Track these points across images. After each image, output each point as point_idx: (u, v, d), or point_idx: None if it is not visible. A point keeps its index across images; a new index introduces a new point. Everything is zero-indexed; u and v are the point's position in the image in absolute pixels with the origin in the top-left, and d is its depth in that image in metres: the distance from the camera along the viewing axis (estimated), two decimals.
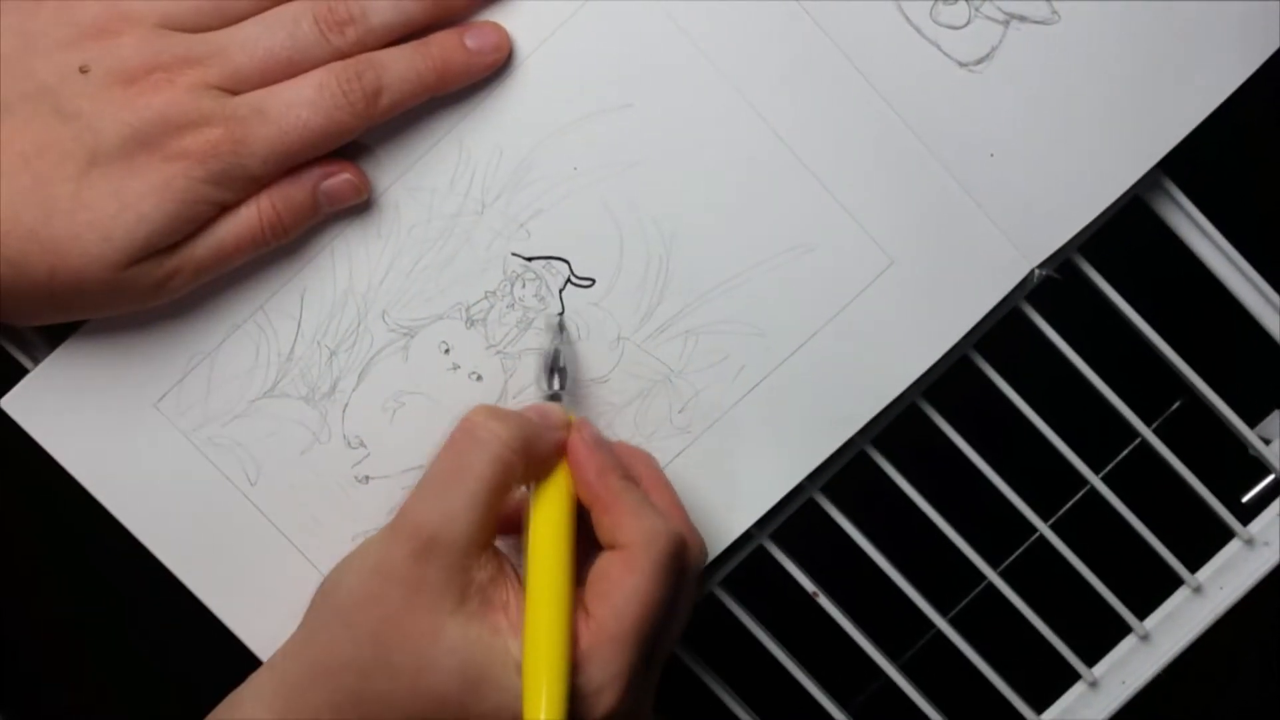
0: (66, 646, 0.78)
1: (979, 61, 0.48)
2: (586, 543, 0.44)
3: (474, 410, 0.43)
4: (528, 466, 0.43)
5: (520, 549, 0.44)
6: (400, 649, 0.41)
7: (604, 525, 0.43)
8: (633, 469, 0.46)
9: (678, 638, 0.46)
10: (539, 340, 0.49)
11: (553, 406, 0.45)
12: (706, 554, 0.46)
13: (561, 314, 0.49)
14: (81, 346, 0.48)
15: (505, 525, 0.46)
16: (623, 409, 0.49)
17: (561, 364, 0.47)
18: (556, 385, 0.47)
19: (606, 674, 0.41)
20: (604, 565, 0.43)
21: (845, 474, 0.51)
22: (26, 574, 0.77)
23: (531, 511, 0.44)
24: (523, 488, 0.45)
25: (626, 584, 0.42)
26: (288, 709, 0.42)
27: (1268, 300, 0.51)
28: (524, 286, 0.48)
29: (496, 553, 0.43)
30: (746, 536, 0.50)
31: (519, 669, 0.41)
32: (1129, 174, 0.49)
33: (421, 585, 0.41)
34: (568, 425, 0.45)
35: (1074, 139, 0.48)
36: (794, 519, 0.52)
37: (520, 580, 0.43)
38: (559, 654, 0.40)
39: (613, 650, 0.41)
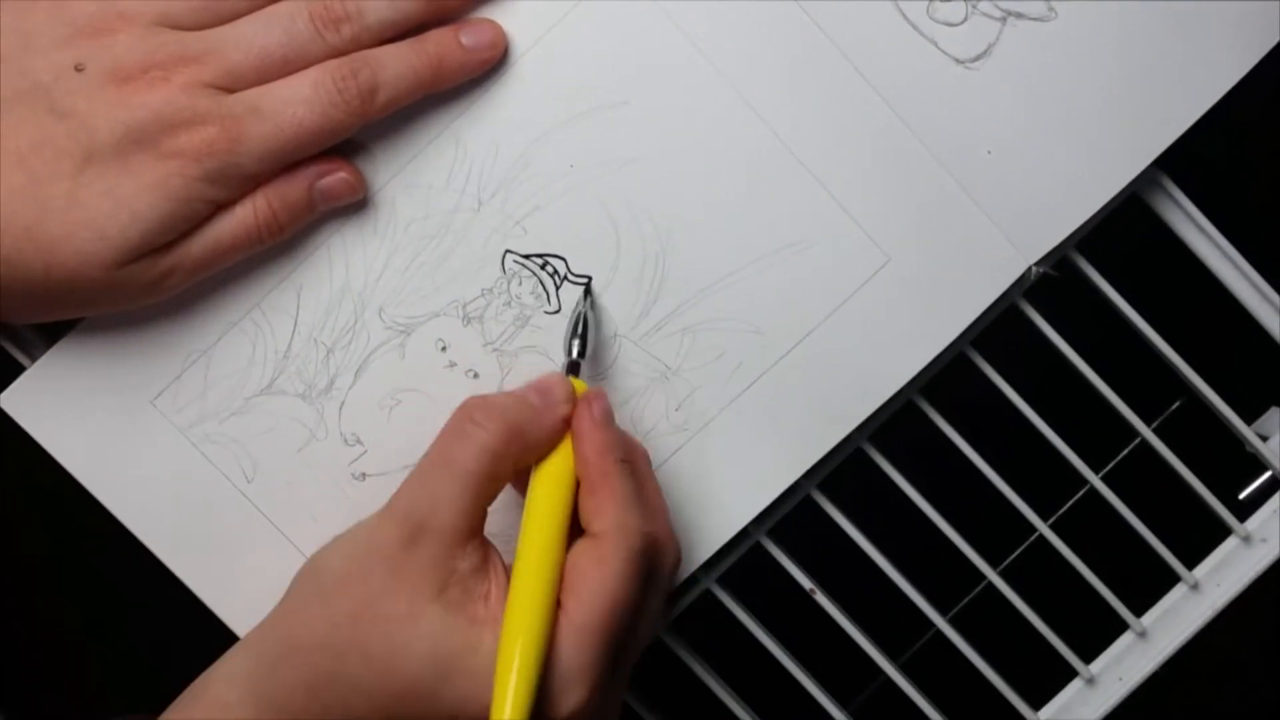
0: (66, 646, 0.78)
1: (976, 59, 0.48)
2: (575, 526, 0.44)
3: (467, 400, 0.44)
4: (521, 454, 0.43)
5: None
6: (376, 632, 0.41)
7: (588, 507, 0.43)
8: (632, 457, 0.46)
9: (647, 641, 0.46)
10: (535, 338, 0.49)
11: (557, 381, 0.45)
12: (682, 560, 0.46)
13: (590, 279, 0.48)
14: (78, 344, 0.48)
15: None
16: (620, 406, 0.49)
17: (583, 330, 0.47)
18: (575, 352, 0.46)
19: (574, 668, 0.41)
20: (575, 556, 0.42)
21: (842, 471, 0.51)
22: (26, 574, 0.77)
23: (529, 492, 0.43)
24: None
25: (595, 578, 0.41)
26: (261, 687, 0.42)
27: (1265, 297, 0.51)
28: (520, 284, 0.48)
29: (484, 543, 0.43)
30: (743, 533, 0.50)
31: (494, 659, 0.40)
32: (1126, 171, 0.49)
33: (405, 570, 0.41)
34: (573, 400, 0.45)
35: (1071, 136, 0.48)
36: (791, 516, 0.52)
37: (506, 572, 0.43)
38: (533, 647, 0.40)
39: (581, 645, 0.41)
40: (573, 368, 0.46)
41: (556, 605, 0.42)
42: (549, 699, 0.41)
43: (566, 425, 0.44)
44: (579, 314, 0.47)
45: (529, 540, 0.42)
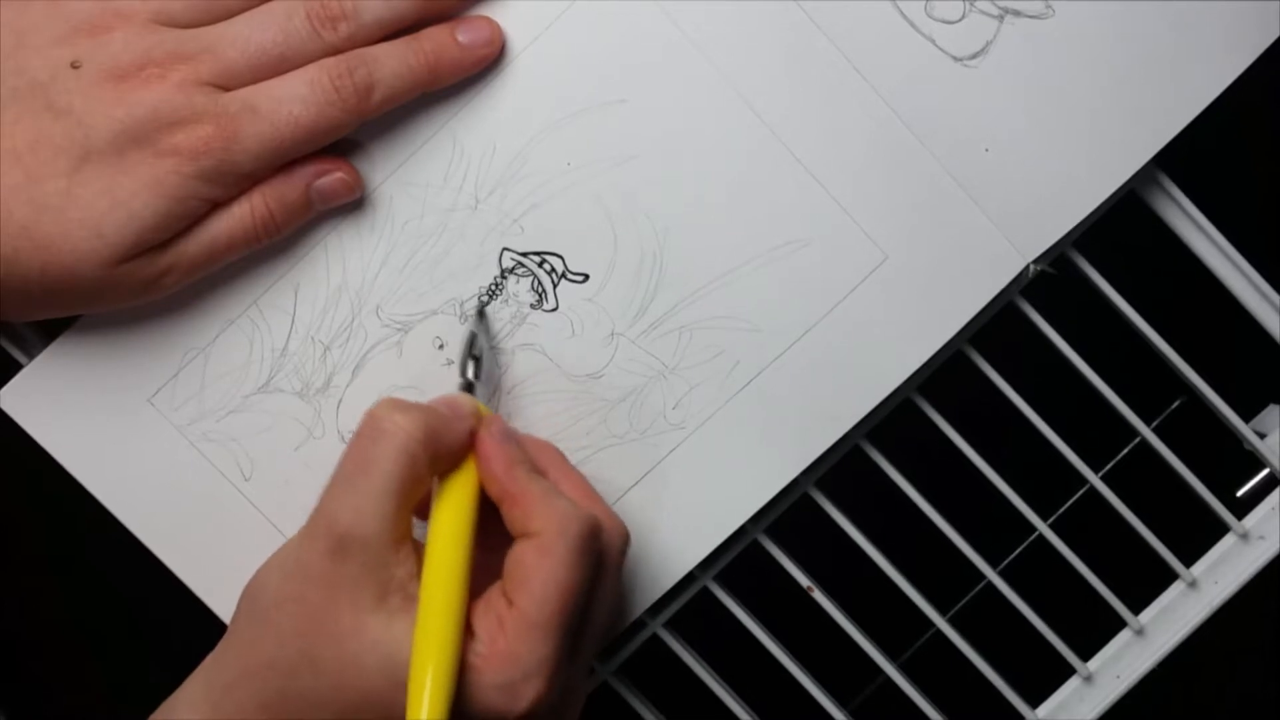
0: (66, 646, 0.78)
1: (974, 56, 0.48)
2: (504, 536, 0.43)
3: (379, 403, 0.43)
4: (436, 459, 0.42)
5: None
6: (324, 647, 0.41)
7: (515, 518, 0.43)
8: (539, 461, 0.46)
9: (605, 625, 0.45)
10: (533, 336, 0.49)
11: (462, 397, 0.45)
12: (628, 537, 0.46)
13: (482, 300, 0.48)
14: (76, 341, 0.48)
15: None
16: (617, 405, 0.49)
17: (477, 352, 0.47)
18: (470, 373, 0.46)
19: (532, 661, 0.40)
20: (519, 553, 0.42)
21: (840, 469, 0.51)
22: (27, 574, 0.77)
23: (434, 504, 0.43)
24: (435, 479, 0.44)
25: (543, 570, 0.41)
26: (216, 711, 0.42)
27: (1262, 295, 0.51)
28: (518, 282, 0.48)
29: (417, 547, 0.43)
30: (741, 531, 0.50)
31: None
32: (1124, 169, 0.49)
33: (340, 583, 0.41)
34: (478, 415, 0.44)
35: (1069, 134, 0.48)
36: (789, 514, 0.52)
37: None
38: (447, 646, 0.39)
39: (536, 638, 0.40)
40: (468, 388, 0.46)
41: (505, 601, 0.41)
42: (511, 695, 0.40)
43: (472, 439, 0.44)
44: (468, 333, 0.47)
45: (435, 544, 0.41)
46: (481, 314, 0.48)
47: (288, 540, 0.43)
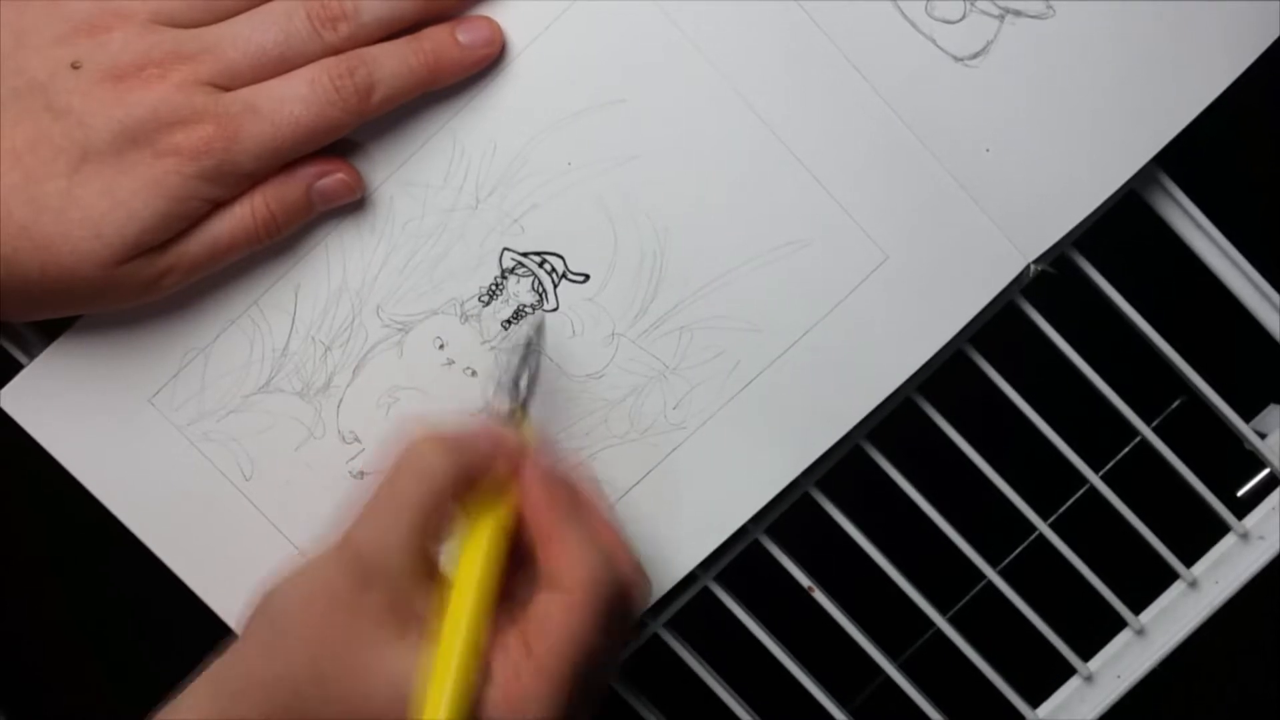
0: (67, 646, 0.78)
1: (974, 56, 0.48)
2: (534, 572, 0.43)
3: (418, 436, 0.42)
4: (469, 495, 0.42)
5: None
6: (338, 676, 0.40)
7: (545, 555, 0.42)
8: (578, 502, 0.45)
9: (614, 673, 0.45)
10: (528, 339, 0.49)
11: (508, 433, 0.44)
12: (651, 594, 0.45)
13: (531, 313, 0.48)
14: (77, 341, 0.48)
15: None
16: (617, 405, 0.49)
17: (534, 371, 0.46)
18: (525, 395, 0.45)
19: (544, 713, 0.40)
20: (545, 603, 0.41)
21: (841, 469, 0.51)
22: (27, 574, 0.77)
23: (466, 539, 0.42)
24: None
25: (568, 626, 0.40)
26: (222, 716, 0.41)
27: (1263, 295, 0.51)
28: (518, 282, 0.48)
29: (444, 581, 0.42)
30: (742, 531, 0.50)
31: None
32: (1125, 169, 0.49)
33: (362, 614, 0.40)
34: (523, 448, 0.44)
35: (1070, 134, 0.48)
36: (790, 514, 0.52)
37: None
38: (460, 685, 0.39)
39: (550, 690, 0.40)
40: (518, 411, 0.45)
41: (525, 649, 0.41)
42: None
43: (514, 471, 0.43)
44: (533, 353, 0.47)
45: (463, 575, 0.41)
46: (541, 328, 0.48)
47: (311, 558, 0.42)
